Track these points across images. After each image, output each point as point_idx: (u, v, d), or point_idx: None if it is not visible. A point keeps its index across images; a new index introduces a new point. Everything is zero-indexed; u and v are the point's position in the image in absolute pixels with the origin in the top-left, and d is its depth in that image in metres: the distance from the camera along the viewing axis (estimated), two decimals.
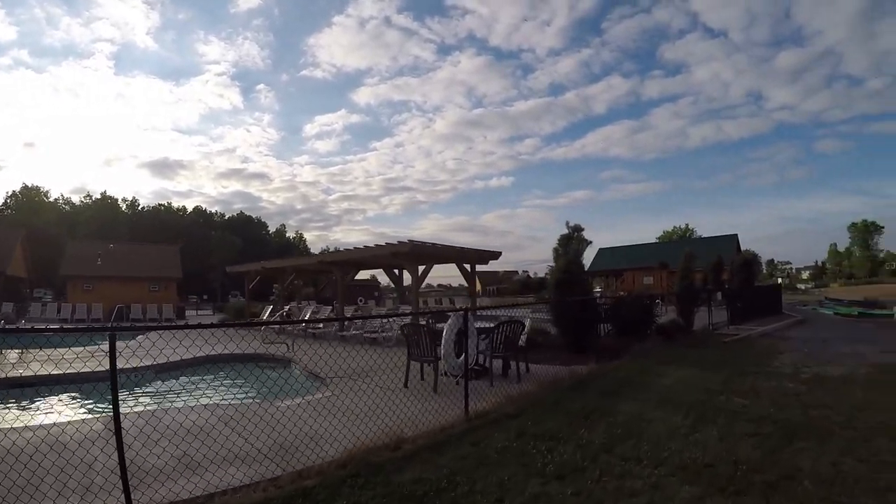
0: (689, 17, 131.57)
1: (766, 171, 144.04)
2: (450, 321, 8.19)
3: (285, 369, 12.22)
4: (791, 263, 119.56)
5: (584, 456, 5.10)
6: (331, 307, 22.52)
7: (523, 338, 10.25)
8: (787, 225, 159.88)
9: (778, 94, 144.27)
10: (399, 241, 14.99)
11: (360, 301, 43.08)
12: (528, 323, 11.07)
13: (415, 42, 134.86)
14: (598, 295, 17.25)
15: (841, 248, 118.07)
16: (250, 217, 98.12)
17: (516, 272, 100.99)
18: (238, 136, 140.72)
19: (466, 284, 18.79)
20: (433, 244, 15.36)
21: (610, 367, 10.05)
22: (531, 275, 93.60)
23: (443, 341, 8.13)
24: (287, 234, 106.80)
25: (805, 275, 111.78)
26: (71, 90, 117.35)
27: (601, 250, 57.93)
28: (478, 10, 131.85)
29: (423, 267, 16.69)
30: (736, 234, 49.80)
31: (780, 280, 72.52)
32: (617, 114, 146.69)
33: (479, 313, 18.46)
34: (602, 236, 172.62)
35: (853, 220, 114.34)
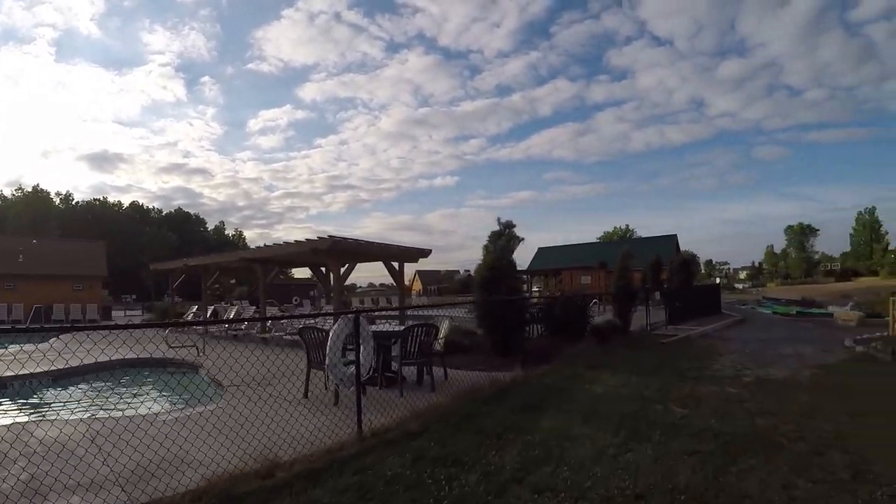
0: (637, 24, 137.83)
1: (707, 176, 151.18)
2: (336, 325, 7.21)
3: (188, 376, 11.04)
4: (729, 264, 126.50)
5: (490, 488, 4.27)
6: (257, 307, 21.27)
7: (440, 342, 9.47)
8: (726, 227, 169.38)
9: (720, 102, 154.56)
10: (319, 237, 14.03)
11: (295, 301, 41.65)
12: (445, 325, 10.27)
13: (364, 39, 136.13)
14: (534, 294, 16.65)
15: (777, 250, 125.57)
16: (189, 214, 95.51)
17: (458, 272, 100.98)
18: (180, 129, 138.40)
19: (407, 283, 17.90)
20: (356, 240, 14.54)
21: (537, 374, 9.34)
22: (472, 274, 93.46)
23: (328, 348, 7.15)
24: (226, 232, 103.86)
25: (743, 275, 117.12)
26: (10, 77, 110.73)
27: (540, 249, 58.28)
28: (428, 9, 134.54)
29: (347, 265, 15.84)
30: (675, 235, 51.19)
31: (718, 280, 75.21)
32: (562, 116, 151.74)
33: (409, 313, 17.81)
34: (545, 237, 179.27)
35: (790, 223, 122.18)
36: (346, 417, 6.45)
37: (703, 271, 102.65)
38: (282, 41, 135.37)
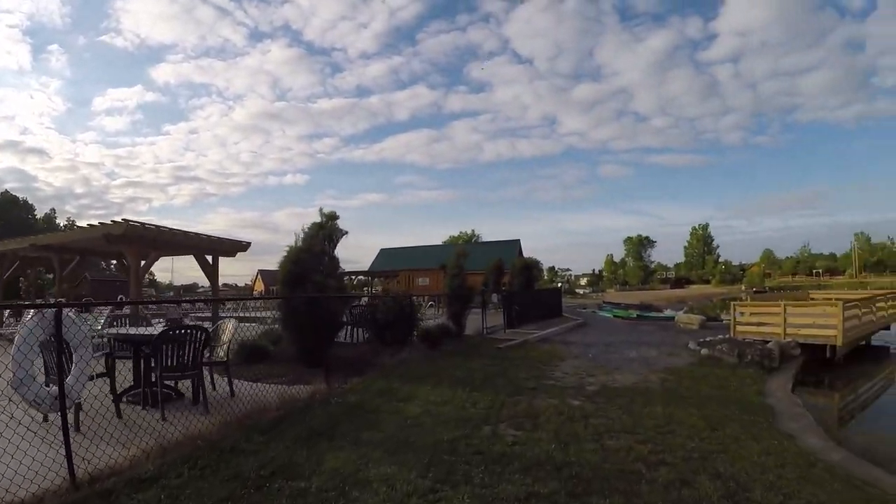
0: (501, 41, 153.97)
1: (553, 188, 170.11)
2: (28, 323, 5.13)
3: None
4: (571, 270, 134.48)
5: None
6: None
7: (223, 349, 7.73)
8: (569, 237, 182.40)
9: (571, 121, 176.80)
10: (113, 221, 12.95)
11: (121, 299, 36.78)
12: (230, 327, 8.43)
13: (228, 23, 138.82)
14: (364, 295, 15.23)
15: (617, 259, 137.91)
16: (16, 197, 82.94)
17: None
18: (20, 101, 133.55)
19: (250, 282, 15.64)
20: (157, 227, 13.19)
21: (343, 389, 7.82)
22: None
23: (12, 357, 5.04)
24: (58, 221, 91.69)
25: (584, 281, 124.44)
26: None
27: (382, 251, 58.38)
28: (298, 0, 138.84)
29: (150, 256, 14.26)
30: (518, 240, 52.70)
31: (559, 284, 79.35)
32: (418, 122, 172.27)
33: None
34: (396, 240, 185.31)
35: (629, 234, 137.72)
36: (83, 449, 4.71)
37: (545, 277, 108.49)
38: (142, 15, 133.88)
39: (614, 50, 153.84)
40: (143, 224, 12.86)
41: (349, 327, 12.70)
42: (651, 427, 5.78)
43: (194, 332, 6.81)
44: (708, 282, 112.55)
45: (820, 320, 12.15)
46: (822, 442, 5.62)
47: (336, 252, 11.56)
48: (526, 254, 46.99)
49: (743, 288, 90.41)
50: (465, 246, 53.13)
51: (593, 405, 6.92)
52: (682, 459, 4.71)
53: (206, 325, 9.14)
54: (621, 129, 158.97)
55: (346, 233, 11.89)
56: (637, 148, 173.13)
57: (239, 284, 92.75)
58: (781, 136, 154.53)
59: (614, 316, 26.62)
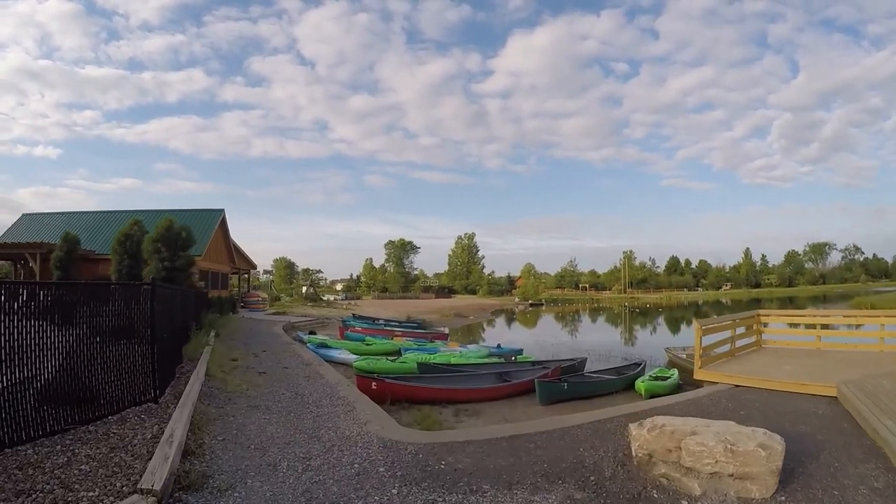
0: (289, 39, 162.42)
1: (318, 192, 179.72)
2: None
3: None
4: (323, 272, 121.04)
5: None
6: None
7: None
8: (331, 241, 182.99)
9: (342, 129, 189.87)
10: None
11: None
12: None
13: None
14: None
15: (377, 264, 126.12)
16: None
17: None
18: None
19: None
20: None
21: None
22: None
23: None
24: None
25: (339, 286, 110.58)
26: None
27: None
28: None
29: None
30: (222, 210, 39.72)
31: (307, 288, 65.85)
32: (188, 108, 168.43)
33: None
34: None
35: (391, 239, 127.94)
36: None
37: (300, 281, 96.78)
38: None
39: (395, 67, 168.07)
40: None
41: None
42: None
43: None
44: (474, 292, 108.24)
45: None
46: None
47: None
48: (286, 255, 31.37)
49: (517, 300, 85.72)
50: (125, 214, 35.23)
51: None
52: None
53: None
54: (390, 143, 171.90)
55: None
56: (403, 161, 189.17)
57: None
58: (537, 167, 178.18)
59: (356, 370, 11.75)
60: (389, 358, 13.99)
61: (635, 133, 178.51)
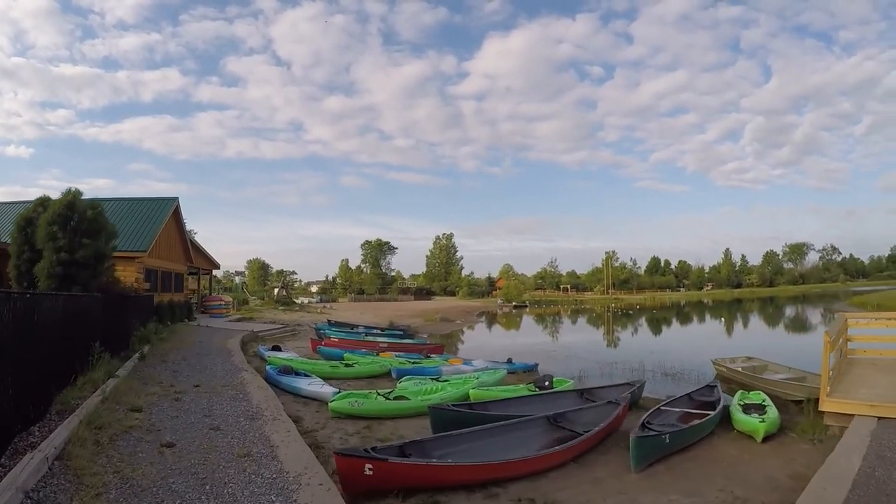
0: (265, 40, 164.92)
1: (293, 193, 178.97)
2: None
3: None
4: (297, 273, 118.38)
5: None
6: None
7: None
8: (306, 243, 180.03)
9: (318, 130, 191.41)
10: None
11: None
12: None
13: None
14: None
15: (353, 265, 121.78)
16: None
17: None
18: None
19: None
20: None
21: None
22: None
23: None
24: None
25: (315, 288, 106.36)
26: None
27: None
28: None
29: None
30: (176, 198, 34.81)
31: (277, 290, 62.15)
32: (162, 107, 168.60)
33: None
34: None
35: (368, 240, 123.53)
36: None
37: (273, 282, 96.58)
38: None
39: (370, 70, 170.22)
40: None
41: None
42: None
43: None
44: (453, 294, 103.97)
45: None
46: None
47: None
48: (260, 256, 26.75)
49: (500, 301, 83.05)
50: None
51: None
52: None
53: None
54: (366, 144, 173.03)
55: None
56: (378, 163, 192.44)
57: None
58: (513, 169, 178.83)
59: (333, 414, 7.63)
60: (381, 392, 9.66)
61: (609, 136, 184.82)
